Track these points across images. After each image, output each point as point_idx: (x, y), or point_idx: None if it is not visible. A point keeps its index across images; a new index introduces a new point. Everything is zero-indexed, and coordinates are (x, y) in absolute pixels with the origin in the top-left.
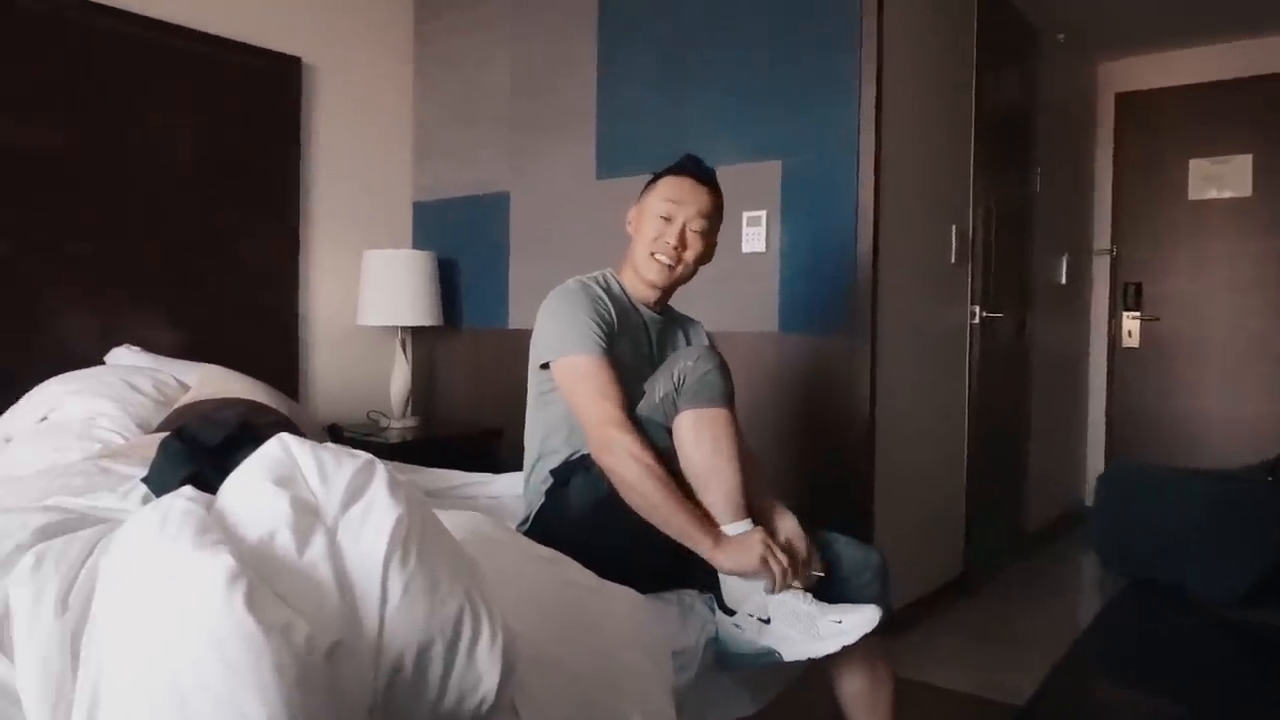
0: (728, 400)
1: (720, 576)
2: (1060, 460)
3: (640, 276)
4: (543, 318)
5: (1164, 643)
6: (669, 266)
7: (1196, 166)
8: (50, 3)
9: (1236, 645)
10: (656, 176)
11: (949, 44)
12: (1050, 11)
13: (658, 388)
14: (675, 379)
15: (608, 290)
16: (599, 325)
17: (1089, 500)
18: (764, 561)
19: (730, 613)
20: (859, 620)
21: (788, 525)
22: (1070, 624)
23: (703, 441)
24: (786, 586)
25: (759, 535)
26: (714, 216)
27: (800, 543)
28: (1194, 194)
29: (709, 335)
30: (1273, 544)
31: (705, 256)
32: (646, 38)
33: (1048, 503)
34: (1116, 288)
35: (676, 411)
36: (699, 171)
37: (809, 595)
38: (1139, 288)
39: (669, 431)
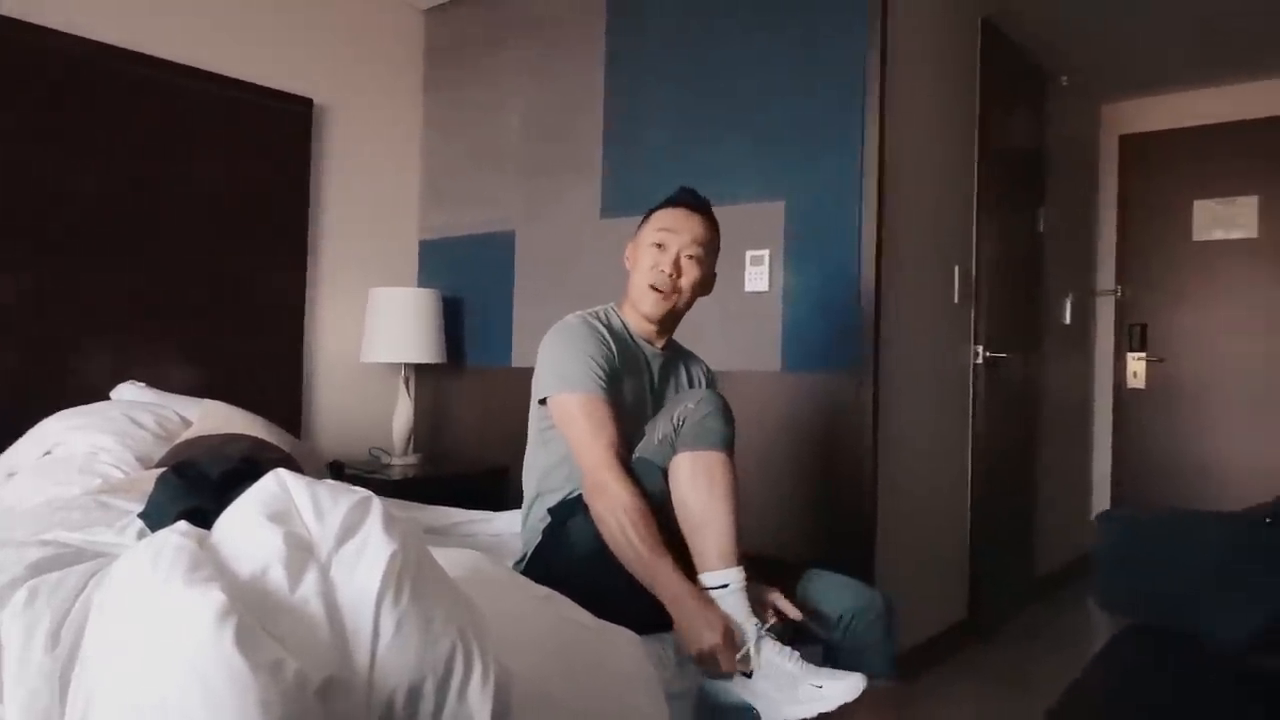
0: (726, 444)
1: None
2: (1068, 502)
3: (638, 309)
4: (543, 353)
5: (1161, 689)
6: (665, 294)
7: (1202, 207)
8: (71, 45)
9: (1241, 691)
10: (651, 211)
11: (954, 86)
12: (1055, 54)
13: (658, 429)
14: (675, 421)
15: (609, 326)
16: (598, 363)
17: None
18: (711, 655)
19: None
20: (840, 689)
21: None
22: (1082, 668)
23: (698, 485)
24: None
25: (717, 636)
26: (710, 244)
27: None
28: (1199, 235)
29: (711, 372)
30: (1278, 588)
31: (703, 286)
32: (655, 81)
33: (1057, 546)
34: (1122, 329)
35: (674, 453)
36: (692, 200)
37: (796, 654)
38: (1144, 329)
39: (663, 474)
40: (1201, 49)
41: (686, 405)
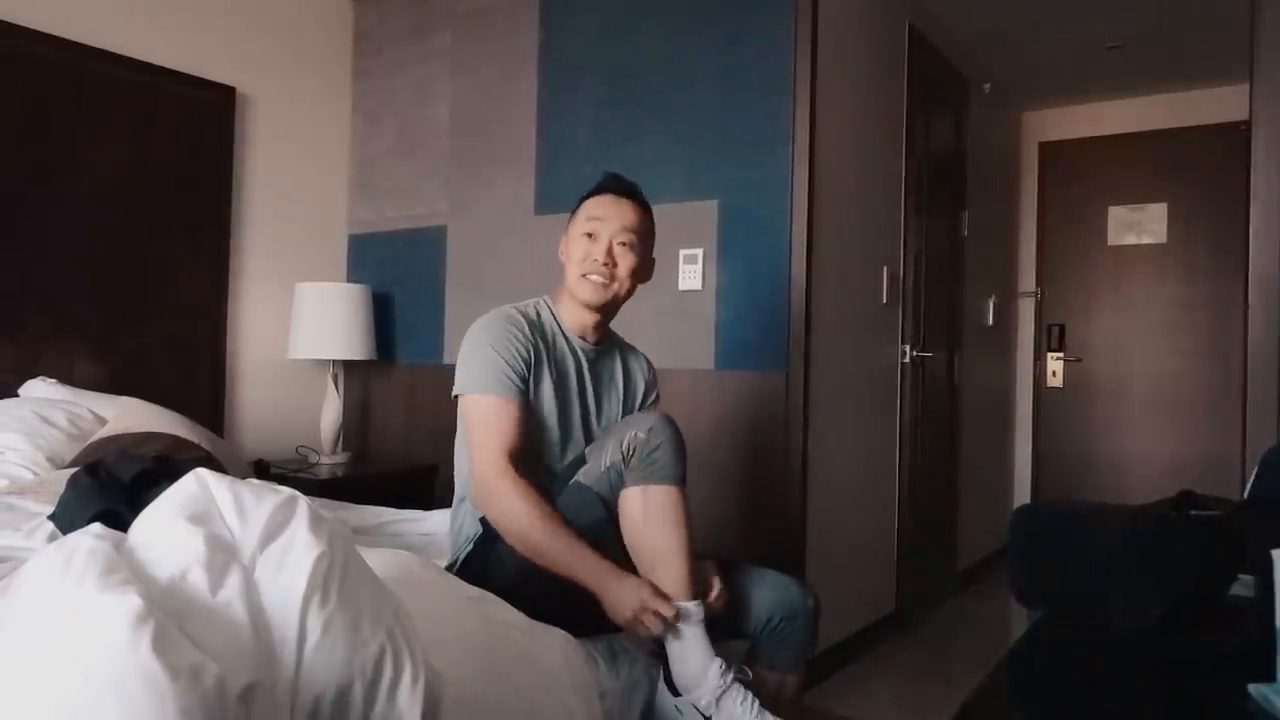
0: (679, 478)
1: (672, 657)
2: (989, 498)
3: (575, 299)
4: (462, 348)
5: (1072, 676)
6: (603, 284)
7: (1115, 213)
8: None
9: (1145, 675)
10: (580, 201)
11: (881, 91)
12: (977, 62)
13: (605, 455)
14: (624, 449)
15: (536, 319)
16: (507, 361)
17: None
18: (644, 612)
19: (677, 693)
20: None
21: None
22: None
23: (650, 522)
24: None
25: (642, 593)
26: (643, 230)
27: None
28: (1113, 239)
29: (653, 368)
30: (1180, 577)
31: (641, 273)
32: (588, 76)
33: (978, 540)
34: (1041, 329)
35: (623, 484)
36: (617, 186)
37: (756, 702)
38: (1062, 329)
39: (604, 503)
40: (1114, 63)
41: (637, 434)
